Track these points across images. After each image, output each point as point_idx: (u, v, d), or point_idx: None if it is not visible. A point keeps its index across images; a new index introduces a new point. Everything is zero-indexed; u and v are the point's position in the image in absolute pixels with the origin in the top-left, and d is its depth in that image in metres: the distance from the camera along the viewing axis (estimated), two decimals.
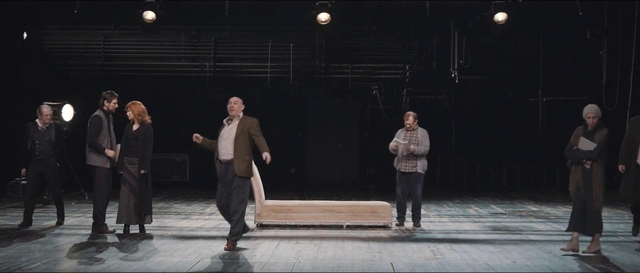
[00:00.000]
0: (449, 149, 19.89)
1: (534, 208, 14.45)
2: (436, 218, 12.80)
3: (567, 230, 9.21)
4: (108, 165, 10.44)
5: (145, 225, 10.53)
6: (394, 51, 19.97)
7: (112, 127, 10.63)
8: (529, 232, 11.04)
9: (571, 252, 8.96)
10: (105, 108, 10.55)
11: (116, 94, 10.62)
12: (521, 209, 14.36)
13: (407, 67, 20.04)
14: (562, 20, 18.53)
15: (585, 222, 8.96)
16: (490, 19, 15.87)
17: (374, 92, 19.78)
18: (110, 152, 10.41)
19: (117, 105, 10.61)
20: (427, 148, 11.42)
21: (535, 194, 17.65)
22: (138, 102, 10.41)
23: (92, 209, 10.58)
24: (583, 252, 8.96)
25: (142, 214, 10.34)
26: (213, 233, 10.67)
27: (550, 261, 8.52)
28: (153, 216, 10.72)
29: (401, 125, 11.67)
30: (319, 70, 20.18)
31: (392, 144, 11.45)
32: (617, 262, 8.56)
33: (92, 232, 10.44)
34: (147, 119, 10.36)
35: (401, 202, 11.59)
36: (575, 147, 9.02)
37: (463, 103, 19.88)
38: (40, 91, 17.31)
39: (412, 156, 11.39)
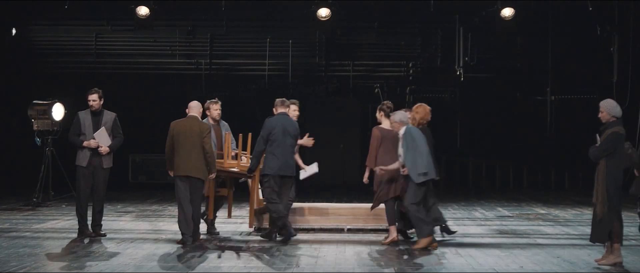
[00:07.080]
0: (454, 149, 19.89)
1: (542, 211, 14.37)
2: None
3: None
4: (84, 164, 10.21)
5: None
6: (396, 48, 19.97)
7: (103, 124, 10.28)
8: (537, 235, 10.92)
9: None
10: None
11: (97, 90, 10.34)
12: (529, 212, 14.26)
13: (410, 64, 20.02)
14: (571, 16, 18.53)
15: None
16: (496, 15, 16.06)
17: (376, 90, 19.61)
18: (88, 143, 10.11)
19: (92, 102, 10.21)
20: None
21: (544, 196, 17.57)
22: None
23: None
24: (599, 263, 8.48)
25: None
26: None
27: (559, 266, 8.40)
28: (148, 219, 10.93)
29: None
30: (318, 67, 20.16)
31: None
32: (629, 267, 8.31)
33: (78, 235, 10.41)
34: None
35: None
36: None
37: (468, 101, 19.91)
38: (29, 89, 17.55)
39: None
